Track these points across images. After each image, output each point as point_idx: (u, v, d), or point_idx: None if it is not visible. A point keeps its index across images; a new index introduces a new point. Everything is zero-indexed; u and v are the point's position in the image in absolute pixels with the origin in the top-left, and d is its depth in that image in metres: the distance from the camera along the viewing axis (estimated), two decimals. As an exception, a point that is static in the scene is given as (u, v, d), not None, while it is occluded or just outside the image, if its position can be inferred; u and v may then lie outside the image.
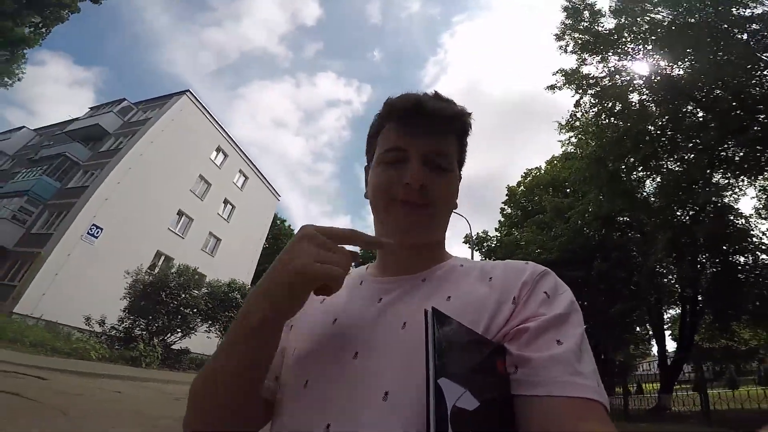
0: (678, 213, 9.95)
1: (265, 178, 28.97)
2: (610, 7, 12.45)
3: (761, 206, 10.93)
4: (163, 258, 19.65)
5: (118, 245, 17.14)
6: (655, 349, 17.30)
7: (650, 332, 16.91)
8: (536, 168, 23.27)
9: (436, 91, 0.63)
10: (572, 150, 15.93)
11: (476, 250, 20.97)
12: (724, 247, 10.72)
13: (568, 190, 18.62)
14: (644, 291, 11.46)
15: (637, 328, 16.87)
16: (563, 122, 14.40)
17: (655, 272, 11.26)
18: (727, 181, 10.96)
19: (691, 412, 10.25)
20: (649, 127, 11.36)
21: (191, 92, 22.72)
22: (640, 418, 10.97)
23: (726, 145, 10.43)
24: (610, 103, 12.33)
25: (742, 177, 10.72)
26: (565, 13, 13.29)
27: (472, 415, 0.38)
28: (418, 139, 0.58)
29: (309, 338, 0.56)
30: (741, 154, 10.22)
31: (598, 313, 12.83)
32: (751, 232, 10.69)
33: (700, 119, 10.86)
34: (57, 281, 15.13)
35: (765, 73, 10.14)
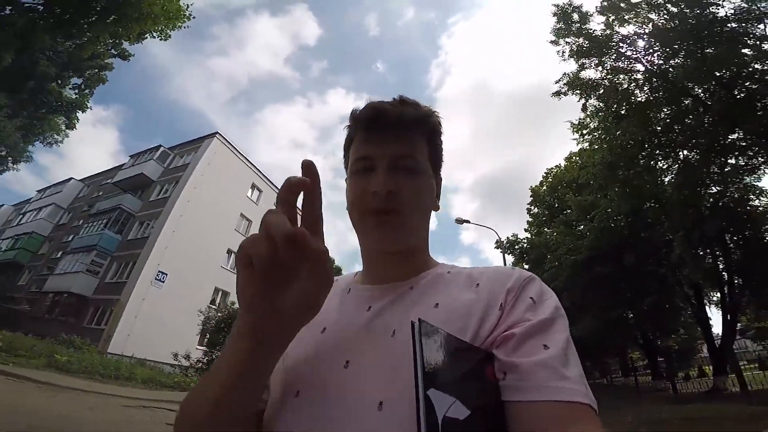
0: (695, 206, 11.00)
1: (299, 209, 31.12)
2: (596, 7, 13.65)
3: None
4: (220, 293, 21.94)
5: (182, 286, 19.47)
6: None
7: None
8: (556, 166, 24.49)
9: (401, 96, 0.65)
10: (587, 146, 17.02)
11: (509, 254, 22.47)
12: (748, 226, 11.71)
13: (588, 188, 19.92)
14: (672, 283, 12.73)
15: (682, 316, 17.56)
16: (575, 122, 15.75)
17: (681, 263, 12.40)
18: (743, 162, 12.00)
19: (751, 391, 10.88)
20: (657, 127, 12.63)
21: (220, 134, 24.97)
22: (689, 400, 11.60)
23: (735, 134, 11.58)
24: (615, 106, 13.51)
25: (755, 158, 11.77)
26: (555, 18, 14.46)
27: (464, 423, 0.39)
28: (382, 145, 0.60)
29: (298, 347, 0.53)
30: (749, 140, 11.31)
31: (631, 305, 14.23)
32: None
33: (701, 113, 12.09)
34: (137, 323, 17.52)
35: (755, 66, 11.26)
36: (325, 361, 0.53)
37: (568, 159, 23.65)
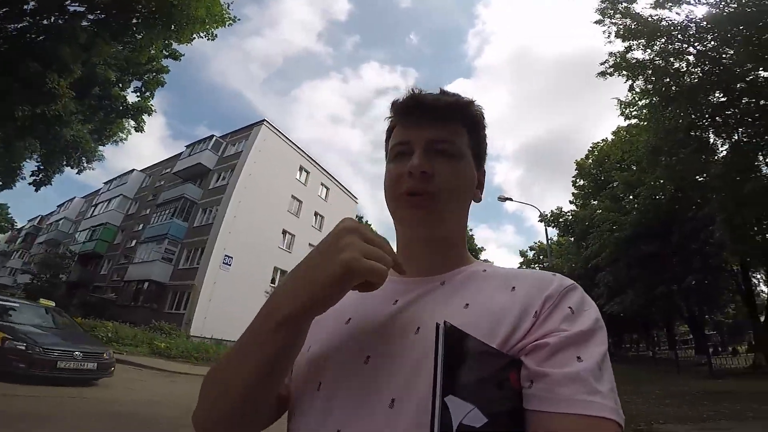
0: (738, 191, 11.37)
1: (343, 186, 33.08)
2: None
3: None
4: (279, 272, 24.16)
5: (246, 267, 21.71)
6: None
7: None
8: (603, 140, 24.34)
9: (441, 89, 0.67)
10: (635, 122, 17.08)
11: (553, 226, 23.06)
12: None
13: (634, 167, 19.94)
14: (716, 262, 13.23)
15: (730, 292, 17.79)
16: (623, 99, 15.86)
17: (723, 245, 12.81)
18: None
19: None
20: (708, 110, 12.79)
21: (267, 121, 26.55)
22: (723, 376, 12.46)
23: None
24: (663, 88, 13.60)
25: None
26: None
27: (479, 431, 0.39)
28: (419, 129, 0.61)
29: (321, 338, 0.56)
30: None
31: (676, 282, 14.79)
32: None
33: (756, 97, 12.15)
34: (212, 306, 19.95)
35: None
36: (347, 355, 0.54)
37: (615, 133, 23.45)
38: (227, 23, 13.87)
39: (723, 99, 12.69)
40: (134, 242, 27.88)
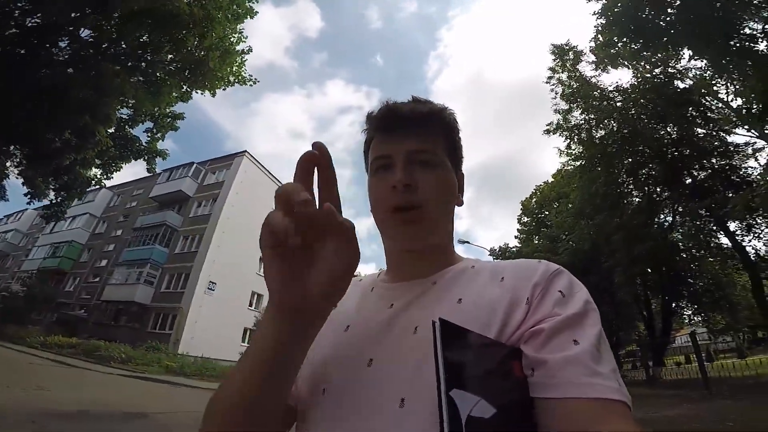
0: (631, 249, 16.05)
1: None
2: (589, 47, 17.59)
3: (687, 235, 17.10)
4: (256, 296, 26.85)
5: (228, 292, 24.33)
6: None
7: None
8: (544, 183, 29.30)
9: (413, 96, 0.69)
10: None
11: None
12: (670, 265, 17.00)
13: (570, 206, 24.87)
14: (619, 299, 18.01)
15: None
16: (562, 149, 20.25)
17: (629, 280, 17.53)
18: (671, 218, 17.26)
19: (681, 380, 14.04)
20: (621, 177, 17.53)
21: (249, 153, 29.37)
22: (628, 385, 17.01)
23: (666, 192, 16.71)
24: (591, 150, 17.98)
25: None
26: (552, 56, 19.01)
27: (489, 422, 0.40)
28: (399, 142, 0.64)
29: (323, 345, 0.56)
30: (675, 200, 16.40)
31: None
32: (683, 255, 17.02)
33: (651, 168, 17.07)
34: (197, 327, 22.36)
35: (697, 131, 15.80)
36: (349, 360, 0.55)
37: (554, 176, 28.38)
38: (249, 83, 15.52)
39: (634, 160, 17.19)
40: (104, 262, 29.33)
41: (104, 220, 32.95)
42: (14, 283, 34.20)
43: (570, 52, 18.73)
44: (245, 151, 29.29)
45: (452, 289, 0.60)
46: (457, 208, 0.73)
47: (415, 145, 0.63)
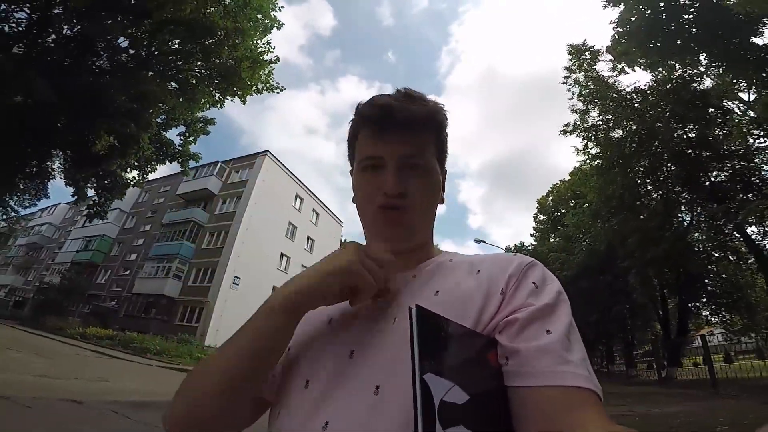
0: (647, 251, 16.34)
1: (330, 211, 37.30)
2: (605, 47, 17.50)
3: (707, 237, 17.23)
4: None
5: (251, 287, 25.38)
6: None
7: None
8: (561, 181, 29.50)
9: (406, 89, 0.68)
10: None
11: (517, 258, 28.03)
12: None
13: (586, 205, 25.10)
14: (635, 297, 18.37)
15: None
16: (580, 148, 20.38)
17: (645, 282, 17.83)
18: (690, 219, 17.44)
19: (694, 380, 14.33)
20: (637, 179, 17.75)
21: (270, 153, 30.28)
22: (637, 384, 16.79)
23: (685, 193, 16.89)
24: (609, 151, 18.14)
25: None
26: (569, 56, 19.11)
27: (462, 408, 0.41)
28: (391, 144, 0.63)
29: (305, 339, 0.61)
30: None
31: (602, 312, 19.85)
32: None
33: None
34: (223, 320, 23.49)
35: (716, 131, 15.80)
36: (332, 352, 0.57)
37: (572, 174, 28.51)
38: (276, 91, 16.18)
39: (651, 162, 17.30)
40: (134, 256, 30.80)
41: (133, 215, 34.51)
42: (49, 275, 36.31)
43: (587, 52, 18.83)
44: (267, 151, 30.24)
45: (430, 282, 0.63)
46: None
47: (408, 150, 0.64)
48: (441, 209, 0.74)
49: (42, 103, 11.58)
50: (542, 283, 0.56)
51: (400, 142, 0.63)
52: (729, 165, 16.25)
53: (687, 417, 6.44)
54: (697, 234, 17.54)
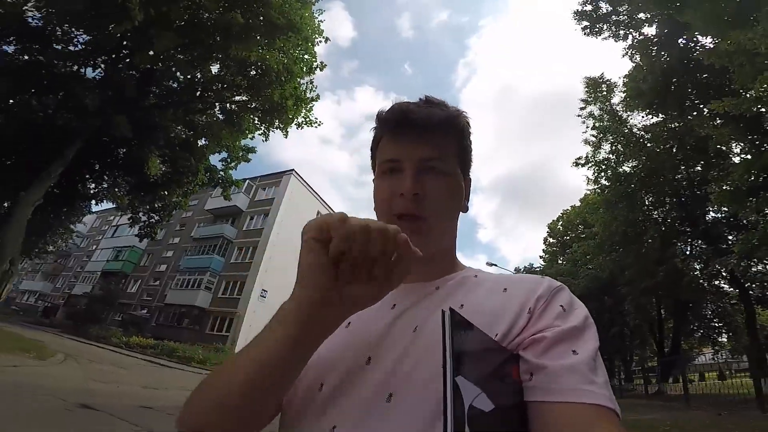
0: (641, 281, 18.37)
1: None
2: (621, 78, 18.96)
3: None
4: (300, 304, 30.19)
5: (278, 299, 26.94)
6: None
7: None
8: (571, 207, 31.50)
9: (427, 96, 0.70)
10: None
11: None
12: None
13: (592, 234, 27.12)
14: (632, 321, 20.45)
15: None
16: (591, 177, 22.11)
17: (639, 308, 19.94)
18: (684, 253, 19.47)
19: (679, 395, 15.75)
20: (639, 216, 19.75)
21: (296, 172, 32.70)
22: (630, 396, 19.22)
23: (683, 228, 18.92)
24: (618, 183, 19.73)
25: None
26: (585, 88, 20.51)
27: (488, 416, 0.42)
28: (410, 147, 0.64)
29: (323, 343, 0.55)
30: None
31: (606, 331, 21.91)
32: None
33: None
34: (252, 330, 25.58)
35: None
36: (349, 357, 0.57)
37: (582, 200, 30.43)
38: (315, 126, 17.78)
39: (655, 199, 19.27)
40: (164, 267, 33.19)
41: (162, 227, 36.82)
42: (78, 282, 38.72)
43: (603, 85, 20.27)
44: (293, 169, 32.67)
45: (455, 295, 0.63)
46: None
47: (428, 152, 0.64)
48: None
49: (118, 137, 13.72)
50: (570, 307, 0.57)
51: (419, 144, 0.65)
52: (720, 208, 18.12)
53: (653, 422, 8.55)
54: (695, 264, 19.46)
